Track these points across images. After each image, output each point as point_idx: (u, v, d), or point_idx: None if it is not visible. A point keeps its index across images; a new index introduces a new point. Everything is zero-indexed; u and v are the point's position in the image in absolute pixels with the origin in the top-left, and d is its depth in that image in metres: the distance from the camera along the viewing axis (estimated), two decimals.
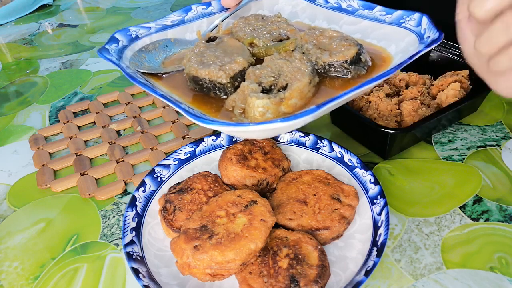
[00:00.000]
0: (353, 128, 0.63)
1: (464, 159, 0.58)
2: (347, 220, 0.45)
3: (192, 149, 0.57)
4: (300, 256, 0.40)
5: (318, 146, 0.57)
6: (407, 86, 0.66)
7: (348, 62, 0.47)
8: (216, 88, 0.47)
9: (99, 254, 0.49)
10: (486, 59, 0.36)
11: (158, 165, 0.55)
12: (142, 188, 0.51)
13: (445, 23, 0.70)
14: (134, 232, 0.46)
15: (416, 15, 0.51)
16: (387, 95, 0.62)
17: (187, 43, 0.59)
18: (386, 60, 0.51)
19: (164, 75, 0.53)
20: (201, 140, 0.58)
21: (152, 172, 0.53)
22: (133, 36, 0.59)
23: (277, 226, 0.45)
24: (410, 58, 0.42)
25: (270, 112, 0.42)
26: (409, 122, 0.58)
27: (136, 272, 0.40)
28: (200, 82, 0.48)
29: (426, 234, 0.48)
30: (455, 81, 0.62)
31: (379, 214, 0.45)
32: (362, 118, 0.55)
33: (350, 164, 0.53)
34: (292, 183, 0.50)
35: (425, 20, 0.50)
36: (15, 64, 0.95)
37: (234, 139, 0.59)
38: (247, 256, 0.39)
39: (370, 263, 0.40)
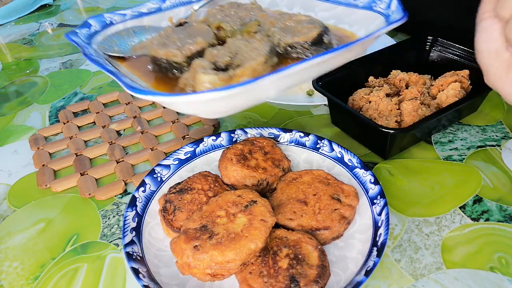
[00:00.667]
0: (353, 128, 0.63)
1: (464, 159, 0.58)
2: (347, 220, 0.45)
3: (192, 149, 0.57)
4: (300, 256, 0.40)
5: (318, 146, 0.57)
6: (407, 86, 0.66)
7: (309, 43, 0.47)
8: (173, 68, 0.49)
9: (99, 254, 0.49)
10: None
11: (158, 165, 0.55)
12: (142, 188, 0.51)
13: (445, 23, 0.70)
14: (134, 232, 0.46)
15: None
16: (387, 95, 0.62)
17: (161, 30, 0.59)
18: (353, 38, 0.52)
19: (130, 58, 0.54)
20: (201, 140, 0.58)
21: (152, 172, 0.53)
22: (107, 22, 0.60)
23: (277, 226, 0.45)
24: (367, 36, 0.42)
25: (220, 86, 0.42)
26: (409, 122, 0.57)
27: (136, 272, 0.40)
28: (158, 62, 0.49)
29: (426, 234, 0.48)
30: (455, 81, 0.62)
31: (379, 214, 0.45)
32: (362, 118, 0.55)
33: (350, 164, 0.53)
34: (292, 183, 0.50)
35: (394, 2, 0.49)
36: (15, 64, 0.95)
37: (234, 139, 0.59)
38: (247, 256, 0.39)
39: (370, 263, 0.40)
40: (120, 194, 0.57)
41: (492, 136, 0.62)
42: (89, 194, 0.56)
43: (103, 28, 0.59)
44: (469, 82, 0.63)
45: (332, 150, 0.55)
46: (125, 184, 0.58)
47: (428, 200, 0.53)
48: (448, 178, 0.55)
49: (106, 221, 0.53)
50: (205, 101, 0.39)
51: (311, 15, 0.56)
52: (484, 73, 0.40)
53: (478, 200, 0.52)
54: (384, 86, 0.63)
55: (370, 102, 0.61)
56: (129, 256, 0.42)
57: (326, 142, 0.56)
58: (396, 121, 0.58)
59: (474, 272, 0.44)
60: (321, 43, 0.48)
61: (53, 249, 0.50)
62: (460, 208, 0.51)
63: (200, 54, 0.48)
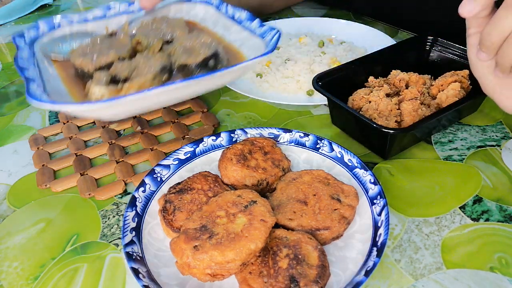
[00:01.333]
0: (353, 128, 0.63)
1: (464, 159, 0.58)
2: (347, 220, 0.45)
3: (192, 149, 0.57)
4: (300, 256, 0.40)
5: (318, 146, 0.57)
6: (407, 86, 0.66)
7: (196, 65, 0.56)
8: (87, 76, 0.57)
9: (99, 254, 0.49)
10: (493, 62, 0.37)
11: (158, 165, 0.55)
12: (142, 188, 0.51)
13: (445, 23, 0.70)
14: (134, 232, 0.46)
15: (274, 31, 0.59)
16: (387, 95, 0.62)
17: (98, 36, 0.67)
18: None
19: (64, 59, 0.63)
20: (201, 140, 0.58)
21: (152, 172, 0.53)
22: (55, 25, 0.67)
23: (277, 226, 0.44)
24: (235, 65, 0.52)
25: (106, 98, 0.51)
26: (409, 122, 0.57)
27: (136, 272, 0.40)
28: (76, 69, 0.58)
29: (426, 234, 0.48)
30: (455, 81, 0.62)
31: (379, 214, 0.45)
32: (362, 118, 0.55)
33: (350, 164, 0.53)
34: (292, 183, 0.50)
35: (275, 38, 0.58)
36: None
37: (234, 139, 0.59)
38: (247, 256, 0.39)
39: (370, 263, 0.40)
40: (120, 194, 0.57)
41: (492, 136, 0.62)
42: (89, 194, 0.56)
43: (50, 30, 0.67)
44: (469, 82, 0.63)
45: (332, 150, 0.55)
46: (125, 184, 0.58)
47: (428, 200, 0.53)
48: (448, 178, 0.55)
49: (106, 221, 0.53)
50: (90, 110, 0.47)
51: (226, 35, 0.68)
52: (480, 84, 0.41)
53: (478, 200, 0.52)
54: (384, 86, 0.63)
55: (370, 102, 0.61)
56: (129, 256, 0.42)
57: (326, 142, 0.56)
58: (396, 121, 0.58)
59: (474, 272, 0.44)
60: (205, 66, 0.57)
61: (53, 249, 0.50)
62: (460, 208, 0.51)
63: (109, 66, 0.56)
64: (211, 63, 0.58)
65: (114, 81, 0.54)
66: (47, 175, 0.59)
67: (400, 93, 0.64)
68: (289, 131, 0.58)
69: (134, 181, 0.58)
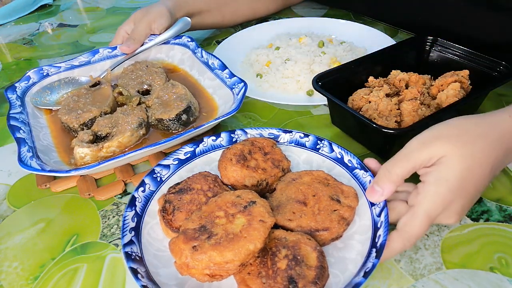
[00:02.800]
0: (353, 129, 0.63)
1: None
2: (347, 221, 0.45)
3: (192, 149, 0.57)
4: (299, 257, 0.40)
5: (318, 146, 0.57)
6: (407, 86, 0.65)
7: (170, 120, 0.62)
8: (72, 131, 0.63)
9: (99, 254, 0.49)
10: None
11: (158, 165, 0.54)
12: (141, 188, 0.51)
13: (445, 26, 0.70)
14: (133, 232, 0.46)
15: (241, 84, 0.65)
16: (387, 95, 0.62)
17: (84, 82, 0.75)
18: (215, 111, 0.67)
19: (54, 110, 0.69)
20: (201, 140, 0.58)
21: (152, 172, 0.53)
22: (44, 74, 0.74)
23: (276, 226, 0.44)
24: (203, 125, 0.58)
25: (89, 157, 0.57)
26: (409, 122, 0.57)
27: (134, 272, 0.40)
28: (63, 123, 0.64)
29: (426, 234, 0.48)
30: (455, 81, 0.62)
31: (379, 215, 0.45)
32: (362, 118, 0.55)
33: (350, 165, 0.53)
34: (291, 184, 0.50)
35: (240, 93, 0.63)
36: (15, 64, 0.95)
37: (234, 139, 0.59)
38: (245, 257, 0.38)
39: (369, 264, 0.40)
40: (119, 194, 0.57)
41: None
42: (89, 194, 0.56)
43: (40, 79, 0.73)
44: (469, 82, 0.63)
45: (332, 150, 0.55)
46: (125, 184, 0.58)
47: None
48: None
49: (105, 221, 0.53)
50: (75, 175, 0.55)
51: (201, 80, 0.74)
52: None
53: (478, 200, 0.52)
54: (384, 86, 0.63)
55: (370, 102, 0.61)
56: (128, 256, 0.42)
57: (326, 142, 0.56)
58: (396, 121, 0.58)
59: (474, 272, 0.44)
60: (179, 120, 0.63)
61: (53, 249, 0.50)
62: None
63: (92, 120, 0.63)
64: (184, 117, 0.63)
65: (96, 136, 0.61)
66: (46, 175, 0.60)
67: (400, 93, 0.64)
68: (289, 131, 0.58)
69: (134, 181, 0.58)
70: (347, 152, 0.54)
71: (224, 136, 0.59)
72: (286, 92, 0.75)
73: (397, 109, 0.59)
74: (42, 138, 0.62)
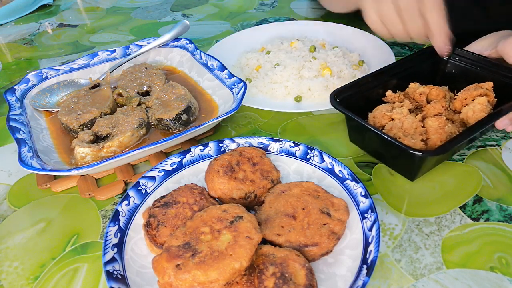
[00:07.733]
0: (376, 148, 0.59)
1: (464, 159, 0.58)
2: (337, 236, 0.44)
3: (179, 159, 0.55)
4: (287, 275, 0.38)
5: (308, 156, 0.55)
6: (427, 100, 0.61)
7: (170, 120, 0.62)
8: (72, 132, 0.63)
9: (99, 254, 0.49)
10: None
11: (143, 177, 0.53)
12: (125, 202, 0.49)
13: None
14: (115, 249, 0.44)
15: (241, 84, 0.64)
16: (409, 110, 0.58)
17: (84, 85, 0.74)
18: (215, 111, 0.67)
19: (53, 112, 0.69)
20: (188, 150, 0.56)
21: (136, 185, 0.52)
22: (43, 76, 0.74)
23: (264, 241, 0.43)
24: (204, 123, 0.57)
25: (89, 157, 0.57)
26: (436, 140, 0.52)
27: None
28: (63, 124, 0.64)
29: (426, 234, 0.48)
30: (480, 95, 0.57)
31: (370, 229, 0.44)
32: (390, 139, 0.50)
33: (341, 175, 0.51)
34: (281, 196, 0.48)
35: (241, 92, 0.62)
36: (15, 64, 0.95)
37: (222, 149, 0.57)
38: (231, 276, 0.37)
39: (360, 282, 0.39)
40: (120, 194, 0.57)
41: (492, 136, 0.62)
42: (89, 194, 0.56)
43: (39, 82, 0.73)
44: (494, 95, 0.58)
45: (323, 160, 0.53)
46: (125, 184, 0.58)
47: (428, 200, 0.53)
48: (448, 178, 0.55)
49: (106, 221, 0.53)
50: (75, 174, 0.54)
51: (200, 81, 0.74)
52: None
53: (478, 200, 0.52)
54: (405, 102, 0.59)
55: (392, 119, 0.57)
56: (110, 275, 0.41)
57: (316, 152, 0.54)
58: (421, 139, 0.53)
59: (474, 272, 0.44)
60: (179, 120, 0.63)
61: (53, 249, 0.50)
62: (460, 208, 0.51)
63: (92, 121, 0.63)
64: (184, 117, 0.63)
65: (97, 137, 0.61)
66: (47, 175, 0.59)
67: (422, 108, 0.60)
68: (279, 140, 0.57)
69: (134, 181, 0.58)
70: (337, 163, 0.52)
71: (212, 145, 0.57)
72: (274, 98, 0.73)
73: (422, 126, 0.55)
74: (42, 139, 0.62)
